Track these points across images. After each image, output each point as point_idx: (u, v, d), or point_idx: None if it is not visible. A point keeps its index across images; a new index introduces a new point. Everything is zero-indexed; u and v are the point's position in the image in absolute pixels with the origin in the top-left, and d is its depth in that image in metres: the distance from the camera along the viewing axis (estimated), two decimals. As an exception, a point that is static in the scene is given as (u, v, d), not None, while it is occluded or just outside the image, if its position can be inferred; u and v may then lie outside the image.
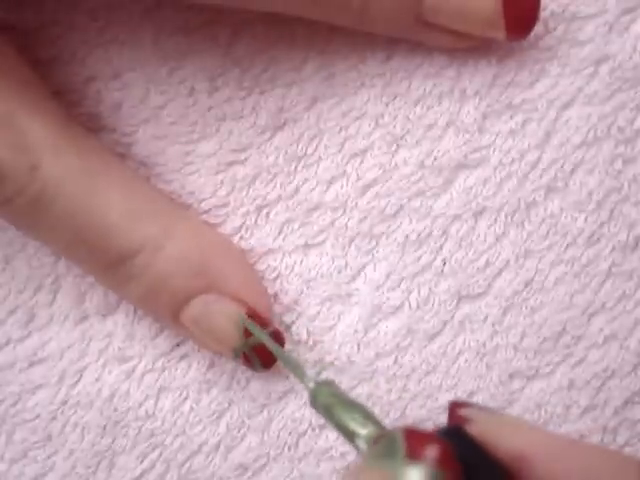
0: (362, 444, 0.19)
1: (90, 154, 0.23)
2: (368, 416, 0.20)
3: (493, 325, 0.26)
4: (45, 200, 0.22)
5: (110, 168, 0.23)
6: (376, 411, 0.20)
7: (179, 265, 0.23)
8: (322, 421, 0.25)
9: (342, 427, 0.20)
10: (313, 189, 0.26)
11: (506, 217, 0.26)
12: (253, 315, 0.23)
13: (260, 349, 0.23)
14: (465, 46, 0.25)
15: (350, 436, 0.19)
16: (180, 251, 0.23)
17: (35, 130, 0.22)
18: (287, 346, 0.24)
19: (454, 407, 0.20)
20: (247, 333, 0.23)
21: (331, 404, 0.20)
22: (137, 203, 0.23)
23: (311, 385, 0.21)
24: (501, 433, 0.18)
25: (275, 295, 0.26)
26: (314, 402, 0.21)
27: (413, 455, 0.16)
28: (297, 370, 0.22)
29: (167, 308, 0.24)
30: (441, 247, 0.26)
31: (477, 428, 0.18)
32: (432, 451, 0.16)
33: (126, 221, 0.23)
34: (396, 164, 0.26)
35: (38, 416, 0.26)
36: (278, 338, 0.24)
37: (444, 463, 0.16)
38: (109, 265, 0.23)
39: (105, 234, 0.23)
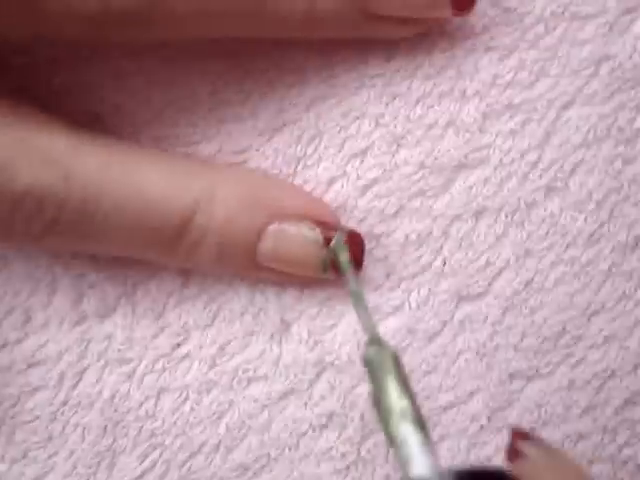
0: (394, 433, 0.19)
1: (108, 146, 0.24)
2: (414, 409, 0.19)
3: (493, 325, 0.26)
4: (90, 204, 0.22)
5: (130, 152, 0.24)
6: (429, 433, 0.20)
7: (237, 206, 0.24)
8: (323, 421, 0.26)
9: (380, 407, 0.19)
10: (313, 189, 0.26)
11: (506, 217, 0.26)
12: (322, 224, 0.24)
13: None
14: (415, 33, 0.25)
15: (385, 420, 0.19)
16: (231, 193, 0.24)
17: (54, 142, 0.22)
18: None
19: (516, 437, 0.20)
20: (326, 242, 0.24)
21: (382, 377, 0.20)
22: (172, 170, 0.24)
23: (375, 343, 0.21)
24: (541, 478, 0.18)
25: (276, 294, 0.26)
26: (368, 360, 0.20)
27: None
28: (364, 317, 0.22)
29: (243, 255, 0.24)
30: (441, 247, 0.26)
31: (525, 467, 0.19)
32: None
33: (172, 189, 0.23)
34: (396, 164, 0.26)
35: (38, 417, 0.26)
36: (356, 238, 0.25)
37: None
38: (173, 239, 0.24)
39: (158, 210, 0.23)
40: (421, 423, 0.19)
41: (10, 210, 0.22)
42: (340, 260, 0.24)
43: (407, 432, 0.19)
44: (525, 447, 0.20)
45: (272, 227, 0.24)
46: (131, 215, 0.23)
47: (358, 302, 0.23)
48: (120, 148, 0.24)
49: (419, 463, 0.18)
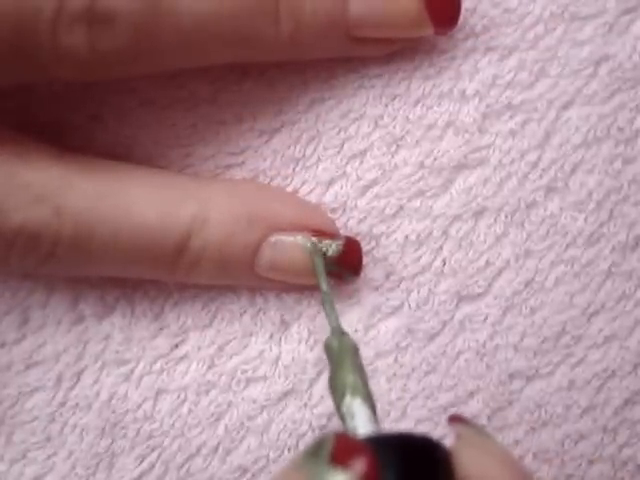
0: (345, 409, 0.20)
1: (97, 171, 0.24)
2: (364, 388, 0.21)
3: (493, 325, 0.27)
4: (84, 236, 0.23)
5: (120, 175, 0.25)
6: (376, 410, 0.22)
7: (232, 224, 0.25)
8: (323, 422, 0.27)
9: (335, 384, 0.21)
10: (312, 190, 0.27)
11: (506, 217, 0.27)
12: (320, 234, 0.25)
13: (343, 259, 0.25)
14: (399, 47, 0.26)
15: (339, 398, 0.21)
16: (225, 212, 0.25)
17: (45, 175, 0.23)
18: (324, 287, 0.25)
19: (451, 420, 0.22)
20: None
21: (340, 360, 0.22)
22: (163, 193, 0.24)
23: (336, 333, 0.23)
24: (463, 452, 0.19)
25: (276, 294, 0.27)
26: (329, 347, 0.23)
27: (335, 461, 0.17)
28: (331, 313, 0.24)
29: (242, 269, 0.25)
30: (441, 247, 0.27)
31: (456, 446, 0.20)
32: (354, 460, 0.17)
33: (165, 216, 0.24)
34: (396, 164, 0.27)
35: (37, 418, 0.27)
36: (353, 245, 0.26)
37: (365, 476, 0.17)
38: (170, 262, 0.24)
39: (153, 237, 0.24)
40: (370, 401, 0.21)
41: (4, 247, 0.23)
42: (314, 262, 0.25)
43: (356, 405, 0.20)
44: (457, 428, 0.21)
45: (267, 242, 0.25)
46: (125, 244, 0.24)
47: (326, 300, 0.24)
48: (110, 174, 0.24)
49: (363, 431, 0.20)
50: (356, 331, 0.27)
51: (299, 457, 0.19)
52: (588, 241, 0.27)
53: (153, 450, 0.27)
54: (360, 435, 0.20)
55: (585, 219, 0.27)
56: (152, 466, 0.27)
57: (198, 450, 0.27)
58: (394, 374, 0.27)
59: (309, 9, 0.24)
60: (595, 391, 0.27)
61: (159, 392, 0.27)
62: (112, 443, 0.27)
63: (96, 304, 0.27)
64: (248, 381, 0.27)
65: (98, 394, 0.27)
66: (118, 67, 0.23)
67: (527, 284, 0.27)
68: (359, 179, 0.27)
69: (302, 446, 0.27)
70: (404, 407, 0.27)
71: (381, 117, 0.27)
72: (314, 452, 0.18)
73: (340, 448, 0.18)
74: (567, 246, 0.27)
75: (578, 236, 0.27)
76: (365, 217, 0.27)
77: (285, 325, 0.27)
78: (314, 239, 0.25)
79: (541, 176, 0.27)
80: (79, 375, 0.27)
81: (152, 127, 0.26)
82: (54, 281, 0.27)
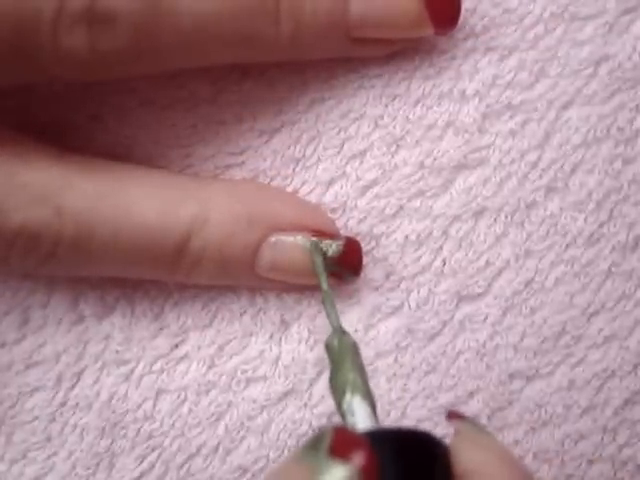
0: (345, 406, 0.21)
1: (97, 171, 0.24)
2: (364, 386, 0.21)
3: (493, 325, 0.27)
4: (84, 236, 0.23)
5: (121, 175, 0.25)
6: (376, 408, 0.22)
7: (232, 224, 0.25)
8: (323, 422, 0.27)
9: (336, 382, 0.22)
10: (312, 190, 0.27)
11: (506, 217, 0.27)
12: (320, 234, 0.25)
13: (343, 259, 0.25)
14: (400, 47, 0.27)
15: (339, 396, 0.21)
16: (225, 212, 0.25)
17: (46, 175, 0.23)
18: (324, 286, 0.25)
19: (450, 416, 0.22)
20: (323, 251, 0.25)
21: (340, 359, 0.22)
22: (163, 193, 0.24)
23: (337, 332, 0.23)
24: (461, 448, 0.19)
25: (276, 294, 0.27)
26: (329, 346, 0.23)
27: (334, 453, 0.18)
28: (331, 312, 0.24)
29: (242, 269, 0.25)
30: (441, 247, 0.27)
31: (455, 442, 0.20)
32: (353, 453, 0.18)
33: (165, 216, 0.24)
34: (396, 165, 0.27)
35: (37, 418, 0.27)
36: (353, 245, 0.26)
37: (364, 468, 0.17)
38: (170, 263, 0.25)
39: (153, 238, 0.24)
40: (370, 399, 0.21)
41: (4, 247, 0.23)
42: (315, 262, 0.25)
43: (355, 403, 0.21)
44: (456, 424, 0.21)
45: (267, 242, 0.25)
46: (125, 244, 0.24)
47: (327, 299, 0.25)
48: (110, 174, 0.24)
49: (362, 427, 0.20)
50: (356, 331, 0.27)
51: (298, 450, 0.19)
52: (588, 241, 0.27)
53: (153, 450, 0.27)
54: (359, 430, 0.20)
55: (585, 219, 0.27)
56: (152, 466, 0.27)
57: (198, 450, 0.27)
58: (394, 374, 0.27)
59: (309, 9, 0.24)
60: (595, 391, 0.27)
61: (159, 392, 0.27)
62: (112, 443, 0.27)
63: (96, 304, 0.27)
64: (248, 381, 0.27)
65: (98, 394, 0.27)
66: (118, 67, 0.23)
67: (527, 284, 0.27)
68: (359, 179, 0.27)
69: (302, 446, 0.27)
70: (404, 407, 0.27)
71: (381, 117, 0.27)
72: (313, 445, 0.18)
73: (339, 441, 0.18)
74: (567, 246, 0.27)
75: (578, 236, 0.27)
76: (365, 217, 0.27)
77: (285, 325, 0.27)
78: (314, 239, 0.25)
79: (541, 176, 0.27)
80: (79, 375, 0.27)
81: (152, 127, 0.27)
82: (54, 281, 0.27)
